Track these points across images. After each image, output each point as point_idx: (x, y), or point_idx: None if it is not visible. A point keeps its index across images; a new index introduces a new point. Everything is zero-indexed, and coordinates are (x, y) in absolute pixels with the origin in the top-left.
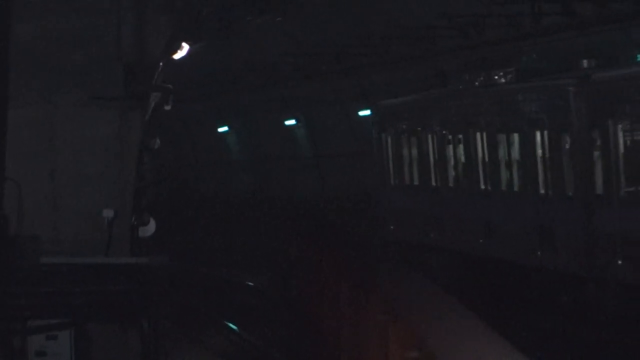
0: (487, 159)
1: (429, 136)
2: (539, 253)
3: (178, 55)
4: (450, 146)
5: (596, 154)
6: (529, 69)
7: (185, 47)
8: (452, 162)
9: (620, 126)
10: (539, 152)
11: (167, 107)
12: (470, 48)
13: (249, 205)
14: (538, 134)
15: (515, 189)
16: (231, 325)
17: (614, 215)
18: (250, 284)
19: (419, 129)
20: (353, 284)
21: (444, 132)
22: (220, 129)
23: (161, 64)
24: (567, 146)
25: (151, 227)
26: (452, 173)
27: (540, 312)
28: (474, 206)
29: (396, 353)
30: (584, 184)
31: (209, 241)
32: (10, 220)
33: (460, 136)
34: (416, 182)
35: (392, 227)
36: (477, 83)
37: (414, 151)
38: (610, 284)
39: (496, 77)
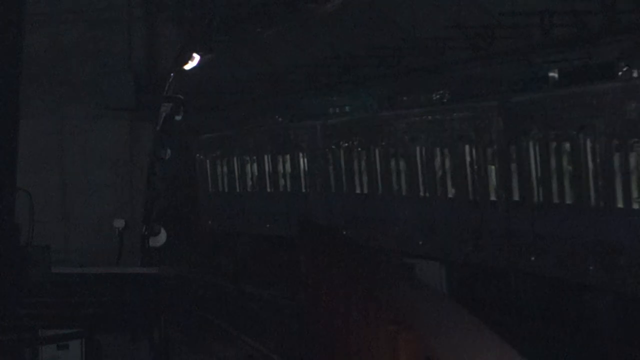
0: (271, 172)
1: (234, 159)
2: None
3: (189, 65)
4: (248, 165)
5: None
6: (298, 114)
7: (196, 58)
8: (249, 175)
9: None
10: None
11: (178, 118)
12: (479, 59)
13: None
14: (301, 155)
15: (289, 189)
16: (241, 335)
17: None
18: (260, 294)
19: (227, 153)
20: (362, 294)
21: (243, 156)
22: None
23: (172, 74)
24: (312, 161)
25: (162, 237)
26: (249, 182)
27: None
28: (263, 203)
29: None
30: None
31: (219, 252)
32: (22, 230)
33: (255, 157)
34: (226, 190)
35: (209, 222)
36: (262, 123)
37: (224, 169)
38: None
39: (278, 120)
